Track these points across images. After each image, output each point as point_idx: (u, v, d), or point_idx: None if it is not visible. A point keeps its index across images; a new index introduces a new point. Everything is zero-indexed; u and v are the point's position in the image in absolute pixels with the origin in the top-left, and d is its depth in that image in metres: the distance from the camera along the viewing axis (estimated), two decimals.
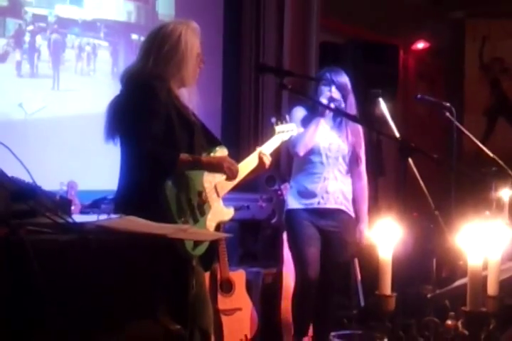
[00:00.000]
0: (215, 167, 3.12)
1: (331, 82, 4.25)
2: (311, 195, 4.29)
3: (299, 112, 4.32)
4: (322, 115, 4.26)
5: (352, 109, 4.32)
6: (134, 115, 3.03)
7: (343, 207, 4.33)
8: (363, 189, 4.42)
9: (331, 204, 4.29)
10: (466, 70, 8.13)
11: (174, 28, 3.17)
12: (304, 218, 4.28)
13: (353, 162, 4.38)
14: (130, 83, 3.13)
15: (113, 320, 2.03)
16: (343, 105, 4.29)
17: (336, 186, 4.31)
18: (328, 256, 4.30)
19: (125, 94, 3.14)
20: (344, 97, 4.31)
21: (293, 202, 4.34)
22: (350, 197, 4.37)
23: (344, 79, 4.33)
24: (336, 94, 4.28)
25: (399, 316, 2.29)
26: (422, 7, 7.69)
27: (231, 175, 3.16)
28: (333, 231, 4.30)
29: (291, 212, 4.34)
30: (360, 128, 4.40)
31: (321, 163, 4.30)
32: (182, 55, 3.15)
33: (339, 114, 4.29)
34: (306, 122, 4.24)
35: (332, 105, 4.22)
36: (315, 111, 4.28)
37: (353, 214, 4.38)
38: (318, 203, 4.29)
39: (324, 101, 4.22)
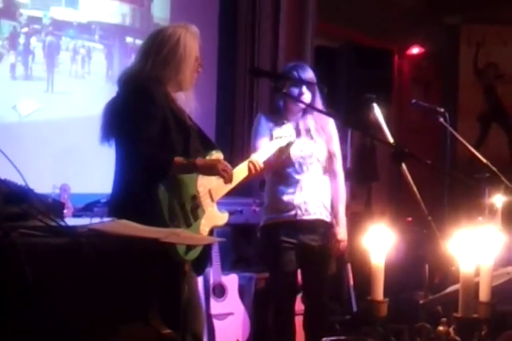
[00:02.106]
0: (210, 169, 3.10)
1: (300, 82, 3.99)
2: (289, 206, 3.97)
3: (256, 122, 4.06)
4: (286, 119, 3.98)
5: (318, 102, 4.04)
6: (131, 117, 3.03)
7: (323, 217, 4.02)
8: (338, 188, 4.08)
9: (309, 215, 3.98)
10: (461, 76, 8.16)
11: (173, 32, 3.17)
12: (281, 240, 3.96)
13: (327, 160, 4.06)
14: (127, 85, 3.13)
15: (104, 324, 2.02)
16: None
17: (314, 195, 3.99)
18: (311, 271, 4.05)
19: (122, 96, 3.14)
20: (312, 92, 4.05)
21: (267, 218, 4.05)
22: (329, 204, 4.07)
23: (311, 74, 4.05)
24: (307, 94, 4.01)
25: (391, 322, 2.29)
26: (417, 12, 7.72)
27: (227, 177, 3.13)
28: (314, 245, 3.99)
29: (266, 231, 4.04)
30: (329, 121, 4.09)
31: (296, 171, 3.98)
32: (180, 58, 3.15)
33: (314, 110, 3.96)
34: (267, 130, 3.98)
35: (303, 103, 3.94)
36: (277, 117, 4.01)
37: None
38: (296, 215, 3.95)
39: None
